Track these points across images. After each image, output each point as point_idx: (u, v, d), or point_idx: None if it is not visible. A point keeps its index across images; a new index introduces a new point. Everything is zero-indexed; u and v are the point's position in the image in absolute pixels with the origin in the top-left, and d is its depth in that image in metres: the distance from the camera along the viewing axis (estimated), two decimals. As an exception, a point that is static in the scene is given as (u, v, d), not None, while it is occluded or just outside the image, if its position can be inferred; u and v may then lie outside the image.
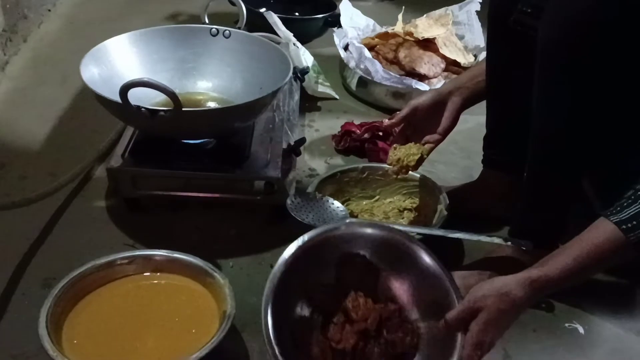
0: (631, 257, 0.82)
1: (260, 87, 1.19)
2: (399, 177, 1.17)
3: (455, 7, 1.84)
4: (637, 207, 0.82)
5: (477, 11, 1.75)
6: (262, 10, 1.79)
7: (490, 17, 1.10)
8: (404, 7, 1.84)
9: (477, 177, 1.26)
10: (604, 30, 0.81)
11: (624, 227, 0.81)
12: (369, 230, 0.94)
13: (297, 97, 1.49)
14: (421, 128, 1.16)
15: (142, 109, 0.97)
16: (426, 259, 0.91)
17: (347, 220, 1.05)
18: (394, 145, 1.15)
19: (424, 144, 1.14)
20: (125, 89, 0.93)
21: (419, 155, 1.12)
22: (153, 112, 0.98)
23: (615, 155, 1.00)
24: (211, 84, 1.28)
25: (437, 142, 1.15)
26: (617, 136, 0.97)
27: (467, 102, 1.15)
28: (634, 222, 0.80)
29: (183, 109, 0.97)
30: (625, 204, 0.83)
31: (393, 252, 0.93)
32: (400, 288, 0.94)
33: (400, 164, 1.12)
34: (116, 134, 1.32)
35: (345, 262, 0.93)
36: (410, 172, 1.14)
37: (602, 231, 0.82)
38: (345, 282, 0.93)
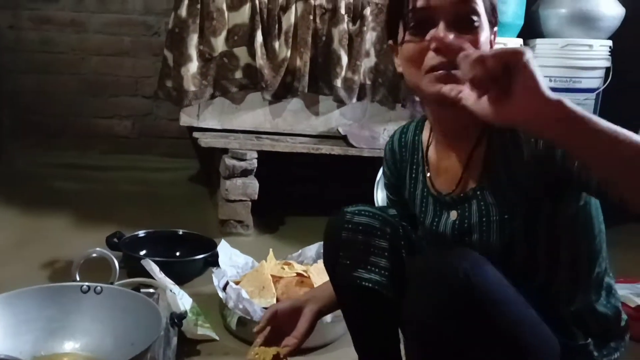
0: None
1: (132, 343, 1.17)
2: None
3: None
4: None
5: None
6: (142, 253, 1.84)
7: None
8: (271, 249, 1.92)
9: None
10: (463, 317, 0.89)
11: None
12: None
13: (174, 343, 1.46)
14: (281, 331, 1.27)
15: (-5, 385, 0.92)
16: None
17: None
18: (256, 343, 1.26)
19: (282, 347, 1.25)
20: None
21: (276, 353, 1.22)
22: (8, 388, 0.93)
23: None
24: (80, 343, 1.25)
25: (295, 346, 1.25)
26: None
27: (322, 311, 1.28)
28: None
29: (42, 382, 0.93)
30: None
31: None
32: None
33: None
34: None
35: None
36: None
37: None
38: None
